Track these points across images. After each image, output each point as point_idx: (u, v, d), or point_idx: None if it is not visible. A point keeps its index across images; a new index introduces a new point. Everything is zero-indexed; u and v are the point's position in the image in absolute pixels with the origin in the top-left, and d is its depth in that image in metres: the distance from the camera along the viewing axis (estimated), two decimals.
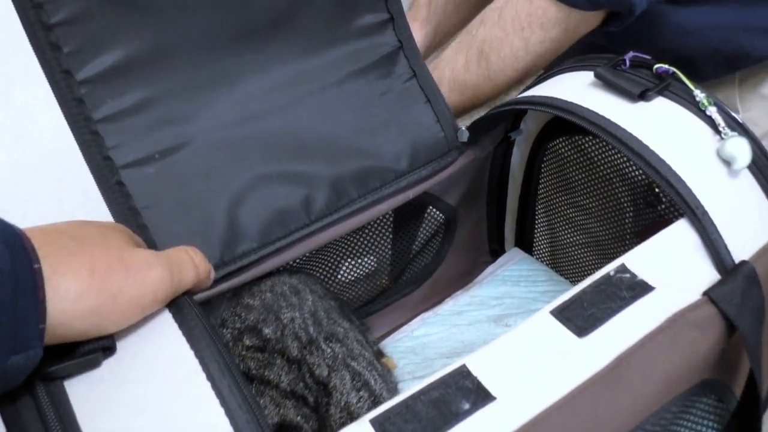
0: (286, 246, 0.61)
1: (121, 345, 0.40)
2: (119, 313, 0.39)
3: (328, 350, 0.53)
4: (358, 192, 0.65)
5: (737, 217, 0.52)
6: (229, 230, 0.59)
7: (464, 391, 0.42)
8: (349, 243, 0.78)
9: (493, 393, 0.42)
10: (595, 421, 0.43)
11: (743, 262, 0.51)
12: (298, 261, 0.74)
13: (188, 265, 0.45)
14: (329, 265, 0.78)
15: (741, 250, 0.52)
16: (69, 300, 0.36)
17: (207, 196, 0.59)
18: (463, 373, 0.43)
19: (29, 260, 0.35)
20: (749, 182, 0.54)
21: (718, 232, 0.51)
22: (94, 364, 0.39)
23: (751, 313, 0.50)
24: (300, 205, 0.62)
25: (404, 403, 0.41)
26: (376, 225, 0.78)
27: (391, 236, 0.79)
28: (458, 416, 0.40)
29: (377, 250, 0.79)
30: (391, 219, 0.79)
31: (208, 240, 0.58)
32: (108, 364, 0.39)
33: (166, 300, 0.42)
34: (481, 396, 0.42)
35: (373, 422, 0.40)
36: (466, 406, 0.41)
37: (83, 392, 0.38)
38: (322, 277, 0.77)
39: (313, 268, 0.77)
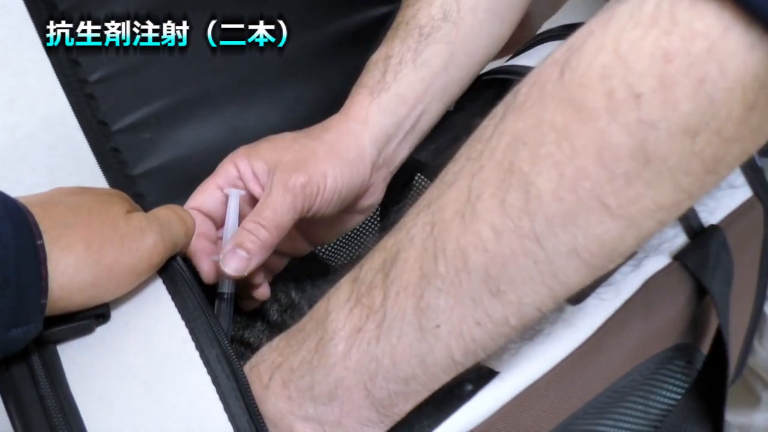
0: None
1: (114, 313, 0.39)
2: (116, 283, 0.38)
3: None
4: None
5: None
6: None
7: (464, 376, 0.38)
8: None
9: (495, 368, 0.40)
10: (572, 387, 0.42)
11: (714, 227, 0.50)
12: None
13: (178, 223, 0.44)
14: None
15: (711, 215, 0.51)
16: (68, 275, 0.36)
17: (203, 164, 0.57)
18: None
19: (32, 236, 0.34)
20: None
21: None
22: (87, 330, 0.38)
23: (720, 277, 0.49)
24: None
25: None
26: None
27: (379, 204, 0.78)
28: (462, 398, 0.39)
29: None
30: None
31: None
32: (101, 331, 0.38)
33: (161, 264, 0.41)
34: (483, 375, 0.40)
35: None
36: (469, 387, 0.39)
37: (75, 356, 0.37)
38: None
39: None
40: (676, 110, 0.29)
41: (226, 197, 0.50)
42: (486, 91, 0.68)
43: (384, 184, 0.56)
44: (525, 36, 0.66)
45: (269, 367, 0.38)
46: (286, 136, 0.52)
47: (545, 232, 0.32)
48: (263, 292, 0.51)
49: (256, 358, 0.40)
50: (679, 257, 0.48)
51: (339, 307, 0.36)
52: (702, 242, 0.49)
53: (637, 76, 0.29)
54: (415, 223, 0.35)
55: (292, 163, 0.49)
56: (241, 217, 0.49)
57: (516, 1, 0.57)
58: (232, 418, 0.35)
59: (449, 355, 0.35)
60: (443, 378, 0.36)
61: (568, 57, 0.32)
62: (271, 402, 0.37)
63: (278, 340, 0.39)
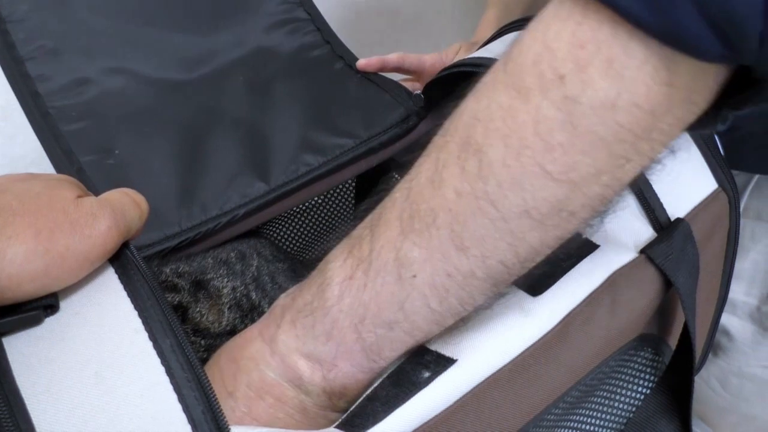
0: (244, 215, 0.56)
1: (64, 303, 0.35)
2: (68, 271, 0.34)
3: None
4: (317, 161, 0.60)
5: (673, 176, 0.49)
6: (186, 197, 0.54)
7: (423, 364, 0.38)
8: (311, 207, 0.72)
9: (453, 356, 0.38)
10: (537, 381, 0.40)
11: (679, 220, 0.48)
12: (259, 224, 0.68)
13: (132, 207, 0.40)
14: (290, 227, 0.73)
15: (677, 208, 0.49)
16: (16, 264, 0.32)
17: (160, 158, 0.53)
18: (420, 351, 0.39)
19: None
20: (685, 141, 0.51)
21: (653, 190, 0.48)
22: (35, 322, 0.34)
23: (686, 269, 0.47)
24: (257, 174, 0.57)
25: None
26: (338, 191, 0.73)
27: (353, 201, 0.74)
28: (419, 385, 0.37)
29: (340, 212, 0.74)
30: (353, 186, 0.74)
31: (163, 207, 0.53)
32: (50, 322, 0.34)
33: (115, 249, 0.37)
34: (441, 362, 0.38)
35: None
36: (426, 374, 0.37)
37: (22, 348, 0.33)
38: (282, 237, 0.72)
39: (273, 230, 0.71)
40: (593, 87, 0.32)
41: None
42: (456, 87, 0.65)
43: None
44: None
45: (282, 308, 0.41)
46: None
47: (497, 194, 0.35)
48: None
49: (275, 302, 0.42)
50: (645, 251, 0.46)
51: (336, 258, 0.40)
52: (667, 235, 0.47)
53: (559, 60, 0.33)
54: (399, 188, 0.39)
55: None
56: None
57: None
58: (187, 409, 0.31)
59: (426, 303, 0.37)
60: (424, 327, 0.38)
61: (511, 50, 0.36)
62: (281, 339, 0.39)
63: (294, 288, 0.42)
